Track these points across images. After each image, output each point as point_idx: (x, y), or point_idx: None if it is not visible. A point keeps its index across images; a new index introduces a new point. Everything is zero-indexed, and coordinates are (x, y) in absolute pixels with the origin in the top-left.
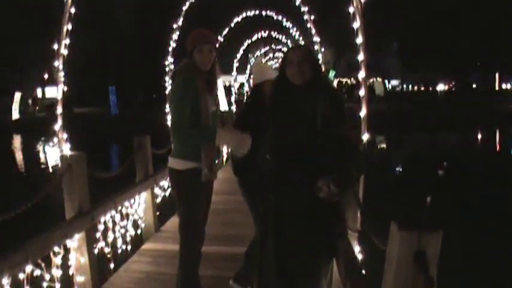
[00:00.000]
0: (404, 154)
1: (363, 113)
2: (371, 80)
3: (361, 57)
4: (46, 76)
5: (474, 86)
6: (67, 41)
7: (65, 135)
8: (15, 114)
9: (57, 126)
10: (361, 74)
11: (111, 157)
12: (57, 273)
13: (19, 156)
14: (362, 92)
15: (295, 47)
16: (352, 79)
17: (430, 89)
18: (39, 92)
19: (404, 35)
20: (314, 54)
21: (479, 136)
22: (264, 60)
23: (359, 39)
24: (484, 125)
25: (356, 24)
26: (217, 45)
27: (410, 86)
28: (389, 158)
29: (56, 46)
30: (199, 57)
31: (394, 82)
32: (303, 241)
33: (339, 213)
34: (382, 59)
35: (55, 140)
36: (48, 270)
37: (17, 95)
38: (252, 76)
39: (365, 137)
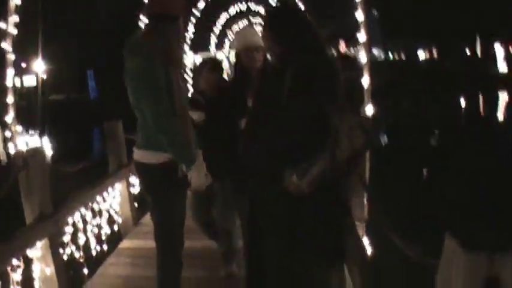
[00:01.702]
0: (390, 125)
1: (366, 82)
2: (352, 50)
3: (360, 16)
4: (24, 65)
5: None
6: (15, 19)
7: (19, 128)
8: None
9: (9, 118)
10: (362, 37)
11: (92, 144)
12: None
13: None
14: (364, 59)
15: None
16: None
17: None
18: (17, 81)
19: (384, 2)
20: (278, 26)
21: (463, 103)
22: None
23: None
24: (467, 92)
25: None
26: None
27: (391, 55)
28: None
29: (3, 25)
30: (179, 30)
31: (375, 52)
32: (295, 250)
33: (343, 201)
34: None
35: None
36: None
37: None
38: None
39: (369, 110)
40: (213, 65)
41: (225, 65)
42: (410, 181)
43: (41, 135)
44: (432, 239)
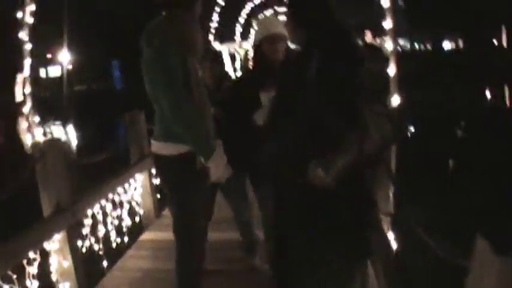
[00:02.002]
0: (416, 114)
1: (392, 71)
2: (378, 40)
3: (386, 3)
4: (49, 56)
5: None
6: (32, 8)
7: (37, 118)
8: (19, 97)
9: (26, 108)
10: (388, 24)
11: (117, 134)
12: (33, 285)
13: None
14: (390, 46)
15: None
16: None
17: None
18: (42, 72)
19: None
20: (301, 10)
21: (489, 93)
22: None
23: None
24: (493, 82)
25: None
26: None
27: (417, 45)
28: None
29: (19, 14)
30: (190, 18)
31: (401, 42)
32: (318, 247)
33: (369, 195)
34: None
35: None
36: (21, 283)
37: (19, 77)
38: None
39: (395, 101)
40: (214, 56)
41: (250, 55)
42: (436, 174)
43: (64, 125)
44: (461, 237)
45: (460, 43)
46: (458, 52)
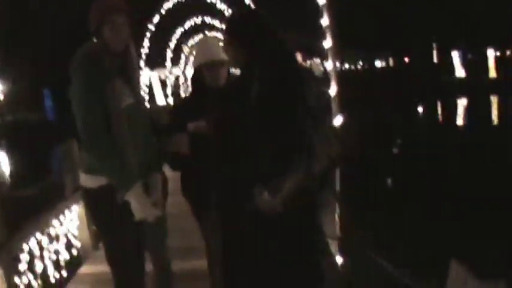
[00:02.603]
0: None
1: (333, 91)
2: (308, 62)
3: (325, 21)
4: None
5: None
6: None
7: None
8: None
9: None
10: (328, 43)
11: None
12: None
13: None
14: (329, 65)
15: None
16: None
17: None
18: None
19: (343, 12)
20: (241, 30)
21: (421, 109)
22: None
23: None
24: (425, 99)
25: None
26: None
27: (347, 65)
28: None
29: None
30: (110, 34)
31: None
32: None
33: (317, 219)
34: (318, 39)
35: None
36: None
37: None
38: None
39: (338, 120)
40: None
41: (181, 81)
42: (376, 192)
43: None
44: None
45: (391, 61)
46: (389, 70)
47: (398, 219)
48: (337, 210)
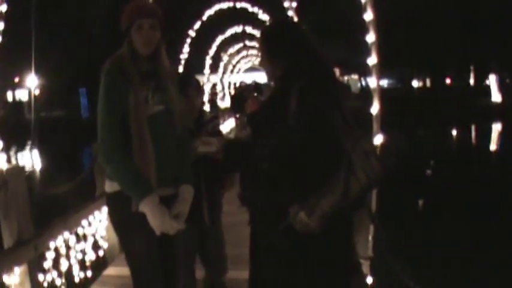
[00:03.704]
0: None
1: (375, 109)
2: (345, 78)
3: (371, 38)
4: (17, 79)
5: (448, 82)
6: (1, 26)
7: (0, 144)
8: None
9: None
10: (373, 60)
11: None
12: None
13: None
14: (373, 83)
15: None
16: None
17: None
18: (9, 96)
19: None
20: (278, 40)
21: (455, 132)
22: (236, 58)
23: (368, 16)
24: (460, 122)
25: None
26: (162, 23)
27: (386, 83)
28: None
29: None
30: (138, 37)
31: (368, 79)
32: None
33: (350, 238)
34: (357, 55)
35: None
36: None
37: None
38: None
39: (378, 139)
40: (198, 85)
41: (218, 88)
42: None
43: (30, 152)
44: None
45: (428, 82)
46: (426, 91)
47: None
48: (371, 230)
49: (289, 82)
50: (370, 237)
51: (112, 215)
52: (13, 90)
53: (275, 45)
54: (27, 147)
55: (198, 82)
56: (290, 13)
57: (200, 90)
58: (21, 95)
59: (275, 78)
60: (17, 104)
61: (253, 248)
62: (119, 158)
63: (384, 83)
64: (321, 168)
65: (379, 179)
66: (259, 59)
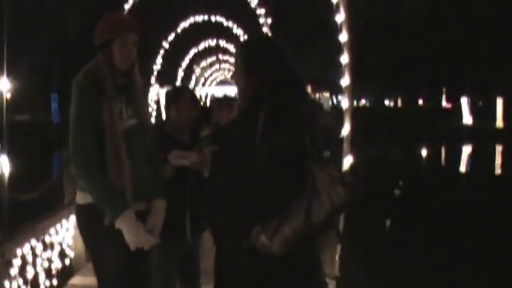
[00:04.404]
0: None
1: (346, 129)
2: (317, 95)
3: (345, 59)
4: None
5: (421, 102)
6: None
7: None
8: None
9: None
10: (345, 81)
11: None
12: None
13: None
14: (346, 103)
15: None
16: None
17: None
18: None
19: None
20: (254, 55)
21: (425, 152)
22: (209, 71)
23: (343, 37)
24: (430, 142)
25: (340, 18)
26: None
27: (356, 102)
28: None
29: None
30: (120, 52)
31: (340, 97)
32: None
33: (317, 260)
34: (329, 72)
35: None
36: None
37: None
38: None
39: (347, 160)
40: (193, 97)
41: None
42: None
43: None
44: None
45: (399, 102)
46: (398, 110)
47: (396, 262)
48: (338, 249)
49: (259, 101)
50: (337, 257)
51: (83, 226)
52: None
53: (252, 60)
54: None
55: (193, 94)
56: (264, 29)
57: (196, 102)
58: None
59: (247, 93)
60: None
61: (218, 265)
62: (94, 172)
63: (356, 101)
64: (284, 192)
65: (344, 205)
66: (231, 73)
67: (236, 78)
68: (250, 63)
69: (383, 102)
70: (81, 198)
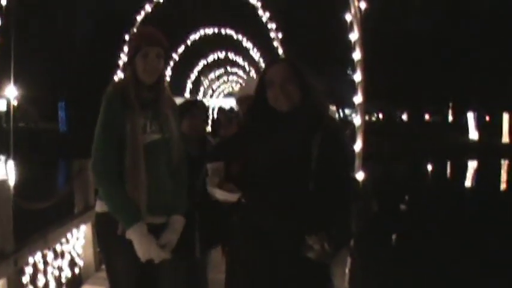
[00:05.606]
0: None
1: (358, 146)
2: None
3: (358, 77)
4: None
5: (427, 117)
6: None
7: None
8: None
9: None
10: (358, 98)
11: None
12: None
13: None
14: (358, 120)
15: (275, 61)
16: None
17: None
18: None
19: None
20: (302, 70)
21: (431, 168)
22: (217, 83)
23: (356, 55)
24: (436, 157)
25: (353, 36)
26: (167, 53)
27: (367, 116)
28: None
29: None
30: (142, 64)
31: (347, 111)
32: None
33: (326, 270)
34: (336, 86)
35: None
36: None
37: None
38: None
39: (360, 176)
40: (202, 109)
41: None
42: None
43: (6, 163)
44: None
45: (405, 116)
46: (404, 125)
47: (403, 276)
48: (348, 263)
49: (298, 110)
50: (347, 270)
51: (99, 233)
52: None
53: (301, 75)
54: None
55: (204, 106)
56: (275, 43)
57: (206, 114)
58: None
59: (292, 106)
60: None
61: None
62: (111, 183)
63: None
64: (332, 201)
65: (365, 217)
66: (238, 85)
67: (283, 91)
68: (299, 77)
69: (396, 115)
70: (99, 206)
